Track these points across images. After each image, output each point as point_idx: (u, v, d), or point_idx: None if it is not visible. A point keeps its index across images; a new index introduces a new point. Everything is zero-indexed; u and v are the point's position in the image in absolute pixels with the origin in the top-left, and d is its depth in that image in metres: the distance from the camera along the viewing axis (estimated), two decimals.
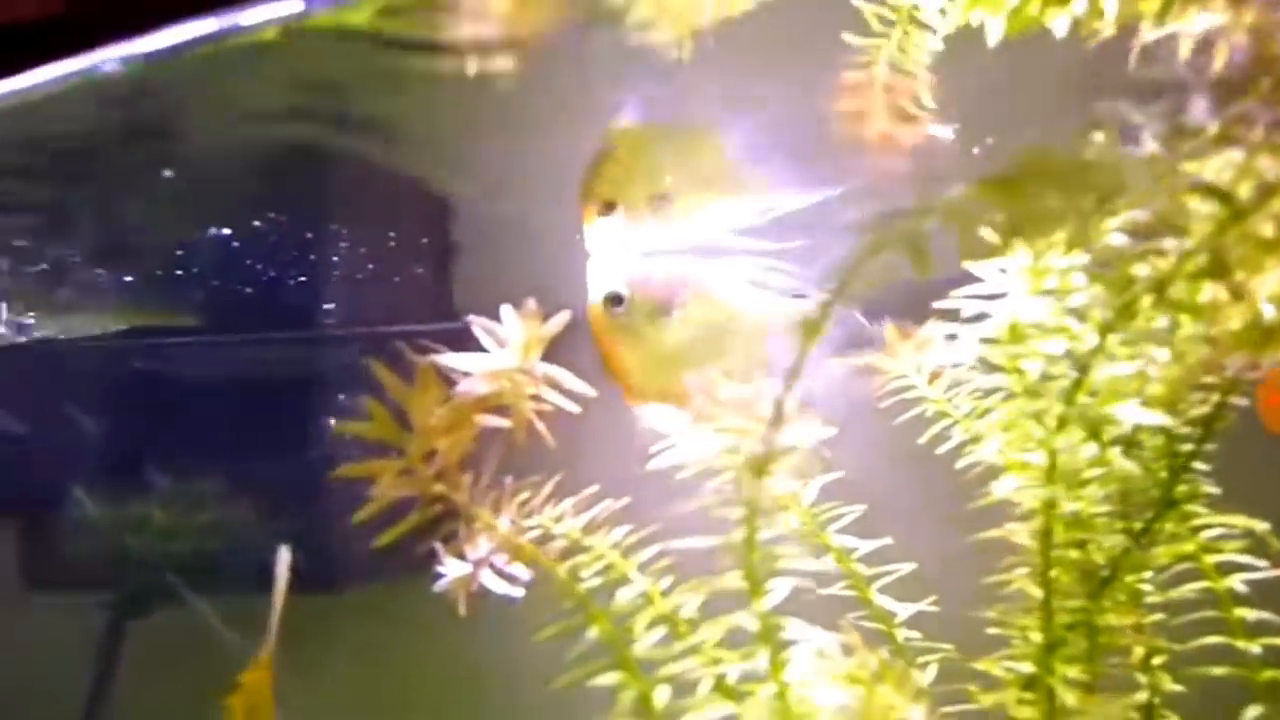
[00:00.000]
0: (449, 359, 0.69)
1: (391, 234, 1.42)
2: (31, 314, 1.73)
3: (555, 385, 0.69)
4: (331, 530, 1.64)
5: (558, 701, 0.67)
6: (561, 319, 0.69)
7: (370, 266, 1.44)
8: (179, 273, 1.60)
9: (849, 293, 0.54)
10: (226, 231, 1.41)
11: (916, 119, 0.88)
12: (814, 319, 0.55)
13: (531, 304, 0.68)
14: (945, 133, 0.90)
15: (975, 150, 0.95)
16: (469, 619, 0.70)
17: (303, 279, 1.45)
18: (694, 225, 1.02)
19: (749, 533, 0.63)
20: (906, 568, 0.79)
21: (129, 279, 1.67)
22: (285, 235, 1.41)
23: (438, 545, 0.72)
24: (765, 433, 0.62)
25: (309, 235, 1.39)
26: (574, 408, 0.69)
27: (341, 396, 1.72)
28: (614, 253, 1.02)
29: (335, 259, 1.42)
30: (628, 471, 0.74)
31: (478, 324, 0.68)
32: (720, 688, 0.64)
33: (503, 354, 0.68)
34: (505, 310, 0.69)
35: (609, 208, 1.03)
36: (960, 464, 0.75)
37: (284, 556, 0.90)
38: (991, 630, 0.73)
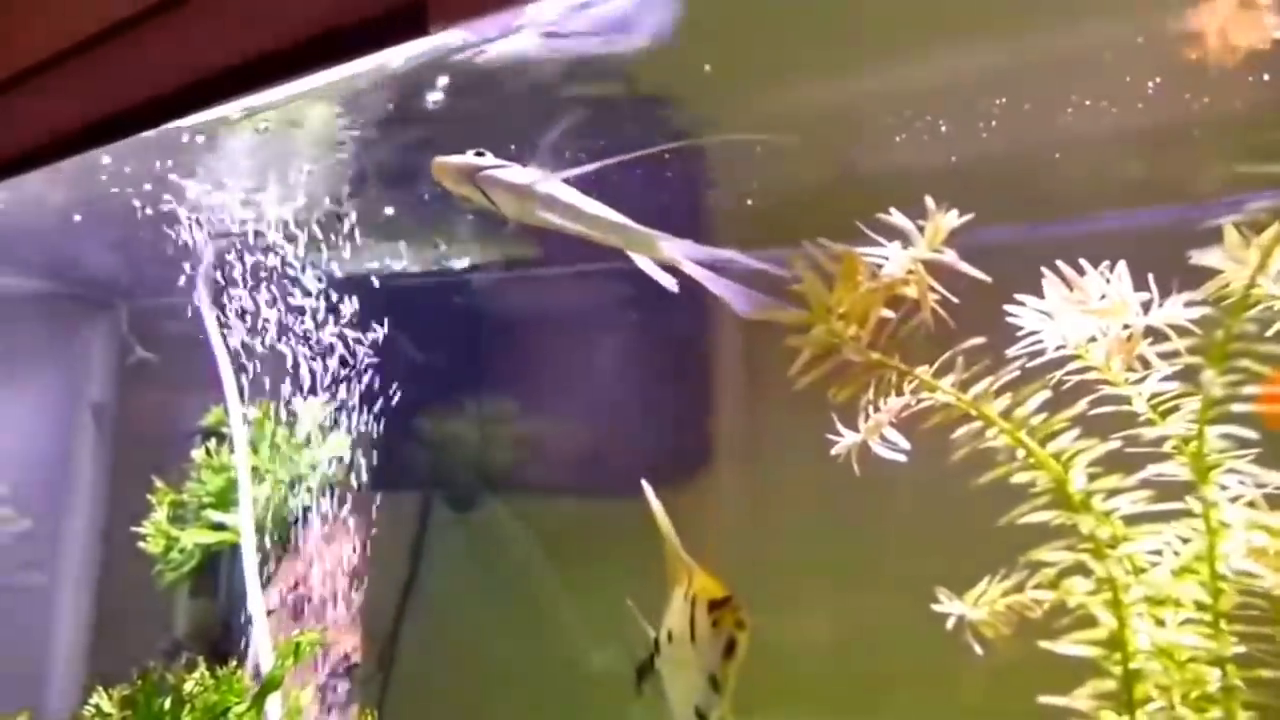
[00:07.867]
0: (867, 250, 0.85)
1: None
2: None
3: (957, 272, 0.83)
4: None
5: None
6: (953, 216, 0.83)
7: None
8: None
9: None
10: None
11: None
12: None
13: (930, 201, 0.83)
14: None
15: None
16: None
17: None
18: None
19: None
20: None
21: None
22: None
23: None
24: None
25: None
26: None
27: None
28: None
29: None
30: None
31: (896, 219, 0.84)
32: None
33: (913, 245, 0.83)
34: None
35: None
36: None
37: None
38: None
